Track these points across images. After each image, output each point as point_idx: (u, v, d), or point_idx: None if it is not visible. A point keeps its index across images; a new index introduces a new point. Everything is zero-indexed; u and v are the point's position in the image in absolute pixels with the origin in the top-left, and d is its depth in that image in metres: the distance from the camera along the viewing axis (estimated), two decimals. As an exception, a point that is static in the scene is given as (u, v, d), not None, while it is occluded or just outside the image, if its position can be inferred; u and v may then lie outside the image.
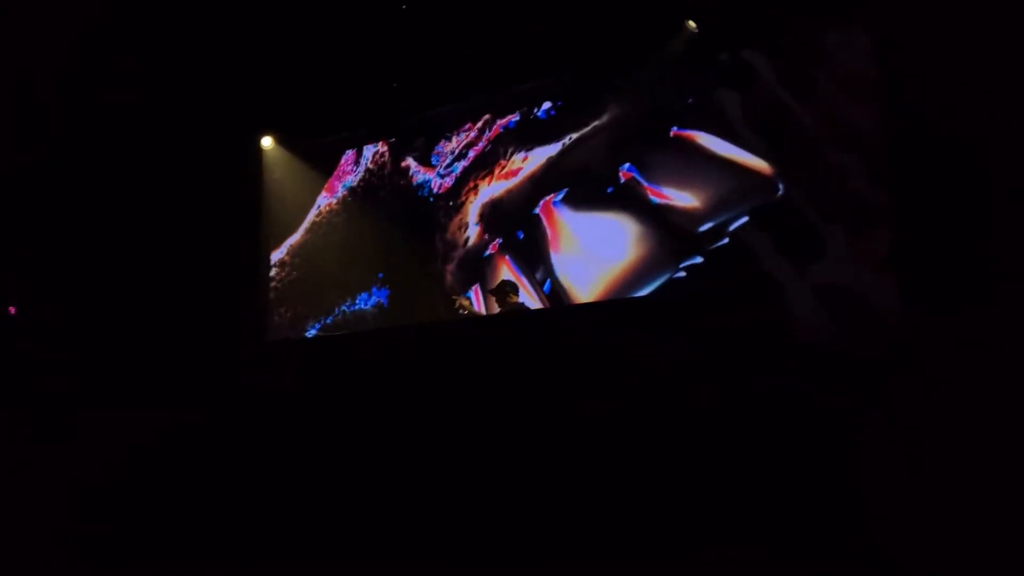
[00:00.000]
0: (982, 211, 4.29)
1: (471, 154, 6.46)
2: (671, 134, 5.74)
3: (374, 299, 6.64)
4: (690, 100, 5.71)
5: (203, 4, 5.49)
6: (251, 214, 6.70)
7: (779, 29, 5.43)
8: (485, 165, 6.39)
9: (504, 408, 4.42)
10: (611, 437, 4.14)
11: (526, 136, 6.26)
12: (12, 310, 5.51)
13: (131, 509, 4.79)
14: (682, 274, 5.55)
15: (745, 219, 5.40)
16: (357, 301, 6.68)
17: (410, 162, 6.71)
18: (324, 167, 6.97)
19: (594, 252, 5.89)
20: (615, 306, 5.49)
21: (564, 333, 4.96)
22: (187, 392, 5.29)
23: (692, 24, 5.74)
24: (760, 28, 5.49)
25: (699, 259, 5.52)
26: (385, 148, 6.80)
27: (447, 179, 6.53)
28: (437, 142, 6.62)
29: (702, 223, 5.54)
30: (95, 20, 5.24)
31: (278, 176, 6.90)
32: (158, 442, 5.08)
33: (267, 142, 6.89)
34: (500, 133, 6.35)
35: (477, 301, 6.24)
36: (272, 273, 6.84)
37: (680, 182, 5.68)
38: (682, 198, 5.67)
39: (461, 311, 5.60)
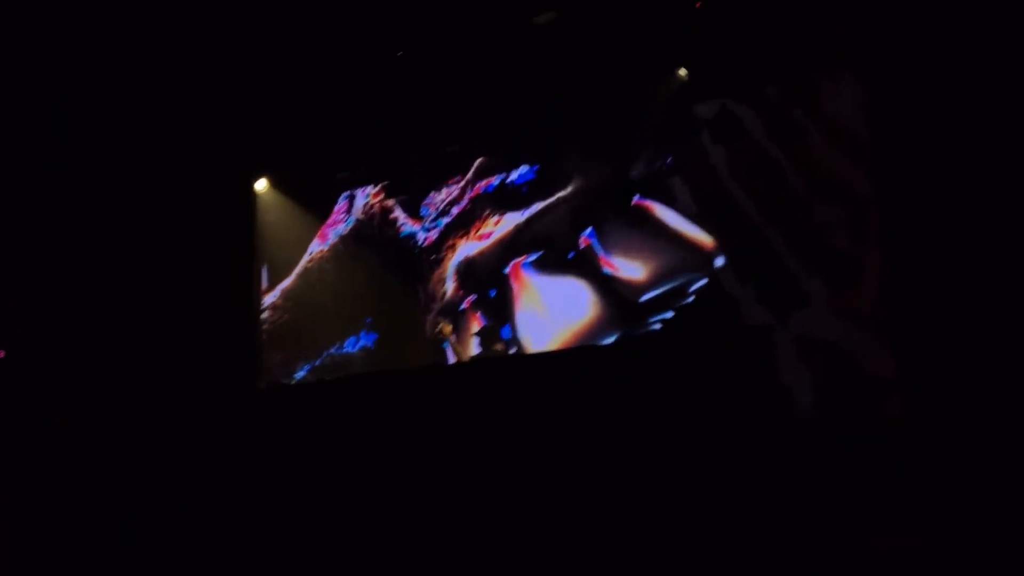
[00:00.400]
0: (981, 260, 4.38)
1: (454, 211, 6.77)
2: (633, 203, 6.04)
3: (362, 343, 6.84)
4: (669, 160, 5.92)
5: (196, 45, 5.70)
6: (245, 256, 6.81)
7: (767, 79, 5.45)
8: (464, 224, 6.71)
9: (487, 446, 4.61)
10: (596, 461, 4.30)
11: (502, 200, 6.60)
12: (1, 353, 5.54)
13: (128, 533, 4.90)
14: (657, 326, 5.78)
15: (704, 281, 5.64)
16: (345, 345, 6.87)
17: (399, 213, 6.97)
18: (318, 211, 7.18)
19: (554, 314, 6.21)
20: (582, 352, 5.75)
21: (534, 377, 5.20)
22: (181, 428, 5.43)
23: (683, 72, 5.77)
24: (748, 78, 5.51)
25: (670, 314, 5.76)
26: (376, 200, 7.06)
27: (432, 233, 6.81)
28: (427, 193, 6.89)
29: (643, 294, 5.86)
30: (95, 20, 5.32)
31: (272, 219, 7.05)
32: (156, 474, 5.21)
33: (261, 185, 7.01)
34: (479, 194, 6.66)
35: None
36: (264, 316, 7.00)
37: (629, 253, 5.99)
38: (628, 269, 5.98)
39: (439, 335, 5.82)
